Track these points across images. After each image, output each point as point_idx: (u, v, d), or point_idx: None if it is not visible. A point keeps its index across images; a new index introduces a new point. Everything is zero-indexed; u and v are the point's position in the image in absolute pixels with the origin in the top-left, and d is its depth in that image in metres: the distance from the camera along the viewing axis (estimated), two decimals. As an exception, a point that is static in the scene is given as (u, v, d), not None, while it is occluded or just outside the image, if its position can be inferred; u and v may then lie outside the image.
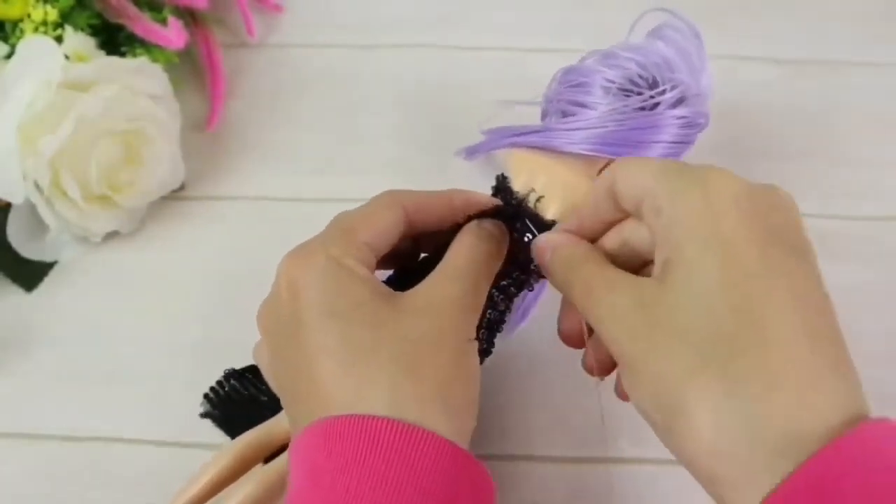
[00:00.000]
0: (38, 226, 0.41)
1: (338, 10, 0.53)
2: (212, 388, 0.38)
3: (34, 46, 0.40)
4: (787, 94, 0.49)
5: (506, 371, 0.39)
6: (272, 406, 0.34)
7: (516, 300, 0.40)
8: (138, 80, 0.42)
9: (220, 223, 0.44)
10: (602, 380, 0.39)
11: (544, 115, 0.39)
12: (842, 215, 0.44)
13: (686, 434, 0.23)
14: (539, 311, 0.40)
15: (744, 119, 0.48)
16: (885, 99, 0.49)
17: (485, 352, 0.33)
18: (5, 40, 0.42)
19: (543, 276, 0.35)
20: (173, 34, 0.44)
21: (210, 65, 0.49)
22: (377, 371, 0.26)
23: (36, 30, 0.41)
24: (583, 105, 0.36)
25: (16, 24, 0.42)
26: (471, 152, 0.43)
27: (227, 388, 0.38)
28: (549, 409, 0.38)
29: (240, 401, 0.37)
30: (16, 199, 0.40)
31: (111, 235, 0.43)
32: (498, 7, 0.53)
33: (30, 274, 0.42)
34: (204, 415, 0.37)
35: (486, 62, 0.50)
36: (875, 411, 0.38)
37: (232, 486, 0.32)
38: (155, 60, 0.44)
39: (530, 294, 0.40)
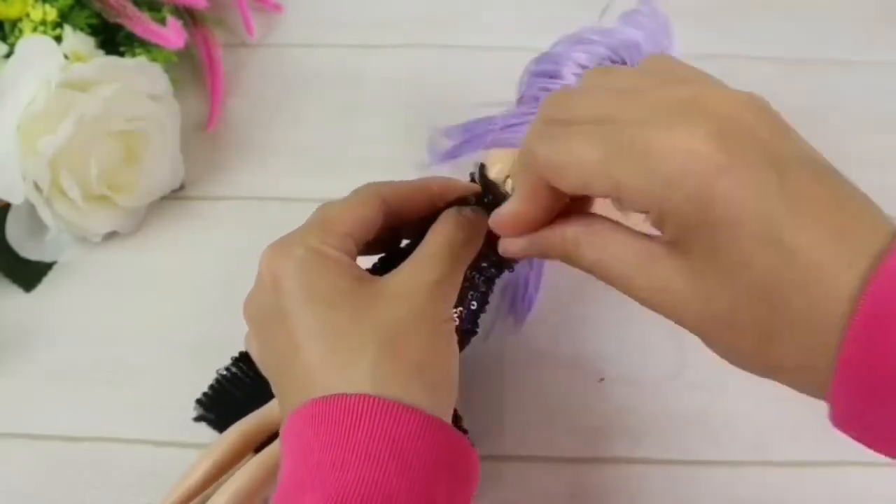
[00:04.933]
0: (37, 226, 0.41)
1: (337, 10, 0.53)
2: (204, 393, 0.38)
3: (33, 46, 0.40)
4: (786, 93, 0.49)
5: (505, 371, 0.39)
6: (264, 400, 0.34)
7: (518, 291, 0.40)
8: (138, 80, 0.42)
9: (219, 223, 0.44)
10: (602, 379, 0.39)
11: (519, 102, 0.39)
12: (841, 215, 0.44)
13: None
14: (538, 312, 0.40)
15: (743, 119, 0.48)
16: (885, 99, 0.49)
17: (470, 332, 0.33)
18: (4, 40, 0.42)
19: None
20: (172, 34, 0.44)
21: (209, 64, 0.49)
22: (359, 353, 0.27)
23: (35, 29, 0.41)
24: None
25: (15, 23, 0.42)
26: (442, 158, 0.42)
27: (218, 390, 0.38)
28: (548, 408, 0.38)
29: (232, 401, 0.37)
30: (15, 199, 0.40)
31: (111, 235, 0.43)
32: (497, 7, 0.53)
33: (29, 274, 0.42)
34: (198, 418, 0.37)
35: (485, 62, 0.50)
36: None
37: (227, 476, 0.32)
38: (154, 60, 0.44)
39: (531, 283, 0.40)
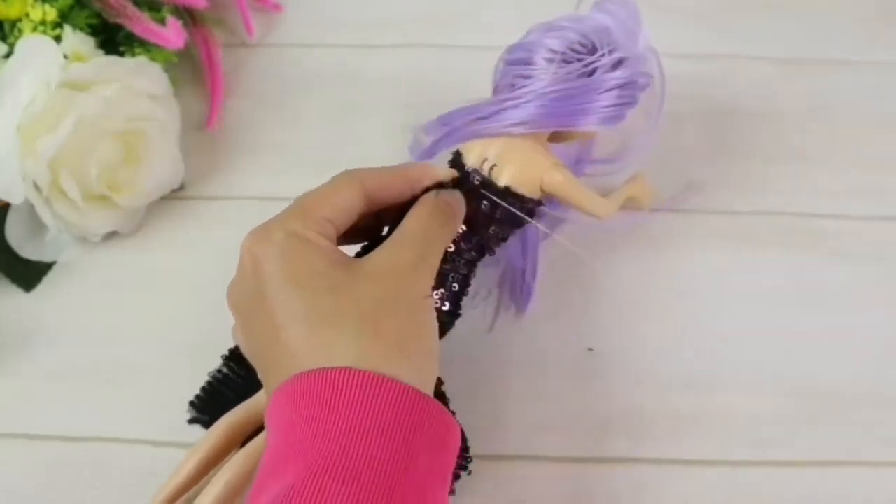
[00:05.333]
0: (37, 226, 0.41)
1: (337, 10, 0.53)
2: (196, 396, 0.38)
3: (33, 46, 0.40)
4: (786, 93, 0.49)
5: (505, 370, 0.39)
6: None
7: (516, 282, 0.41)
8: (138, 80, 0.42)
9: (219, 223, 0.44)
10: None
11: (495, 92, 0.40)
12: (842, 215, 0.44)
13: None
14: (538, 312, 0.40)
15: (743, 119, 0.48)
16: (885, 99, 0.49)
17: (453, 314, 0.34)
18: (4, 40, 0.42)
19: (504, 240, 0.36)
20: (172, 34, 0.44)
21: (209, 64, 0.49)
22: (339, 331, 0.27)
23: (35, 29, 0.41)
24: (528, 78, 0.37)
25: (14, 23, 0.42)
26: (420, 157, 0.43)
27: (210, 392, 0.38)
28: (549, 408, 0.38)
29: (225, 403, 0.37)
30: (15, 199, 0.40)
31: (110, 235, 0.43)
32: (497, 7, 0.53)
33: (29, 274, 0.42)
34: (192, 421, 0.37)
35: (485, 61, 0.50)
36: (875, 412, 0.38)
37: (216, 471, 0.32)
38: (154, 60, 0.44)
39: (528, 272, 0.41)
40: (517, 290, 0.41)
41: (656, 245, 0.43)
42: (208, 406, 0.38)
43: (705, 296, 0.41)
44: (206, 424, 0.37)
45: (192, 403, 0.38)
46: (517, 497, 0.36)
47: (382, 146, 0.47)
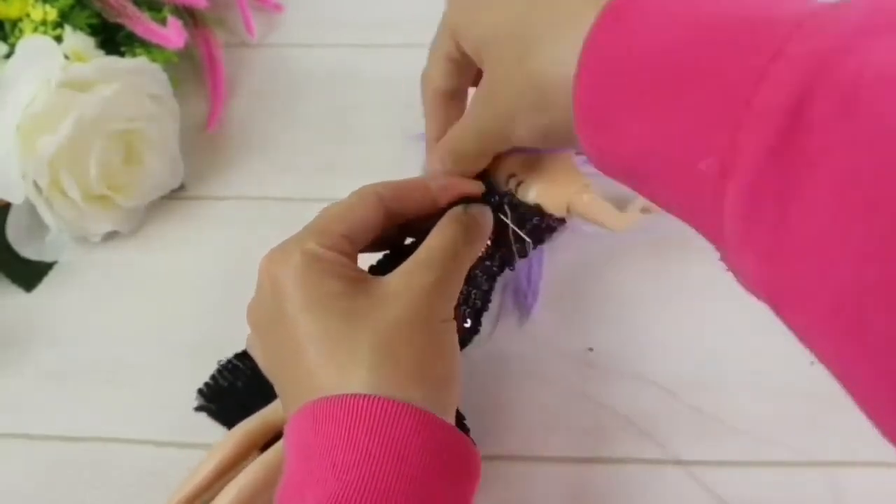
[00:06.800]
0: (37, 226, 0.41)
1: (337, 10, 0.53)
2: (205, 384, 0.38)
3: (33, 46, 0.40)
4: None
5: (506, 371, 0.39)
6: (265, 392, 0.34)
7: (521, 287, 0.41)
8: (138, 80, 0.42)
9: (219, 223, 0.44)
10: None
11: None
12: (842, 215, 0.44)
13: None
14: (539, 312, 0.41)
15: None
16: (884, 99, 0.49)
17: (472, 331, 0.33)
18: (4, 40, 0.42)
19: (525, 256, 0.35)
20: (173, 34, 0.44)
21: (210, 64, 0.49)
22: (357, 356, 0.27)
23: (35, 29, 0.41)
24: None
25: (15, 23, 0.42)
26: None
27: (219, 381, 0.38)
28: (549, 409, 0.38)
29: (233, 392, 0.38)
30: (15, 199, 0.40)
31: (111, 235, 0.43)
32: (498, 7, 0.53)
33: (29, 274, 0.42)
34: (199, 408, 0.37)
35: (485, 62, 0.50)
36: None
37: (232, 475, 0.32)
38: (154, 60, 0.44)
39: (533, 277, 0.40)
40: (521, 296, 0.41)
41: (657, 245, 0.43)
42: (217, 395, 0.38)
43: (706, 295, 0.41)
44: (213, 413, 0.37)
45: (200, 391, 0.38)
46: (517, 497, 0.36)
47: (382, 146, 0.47)
